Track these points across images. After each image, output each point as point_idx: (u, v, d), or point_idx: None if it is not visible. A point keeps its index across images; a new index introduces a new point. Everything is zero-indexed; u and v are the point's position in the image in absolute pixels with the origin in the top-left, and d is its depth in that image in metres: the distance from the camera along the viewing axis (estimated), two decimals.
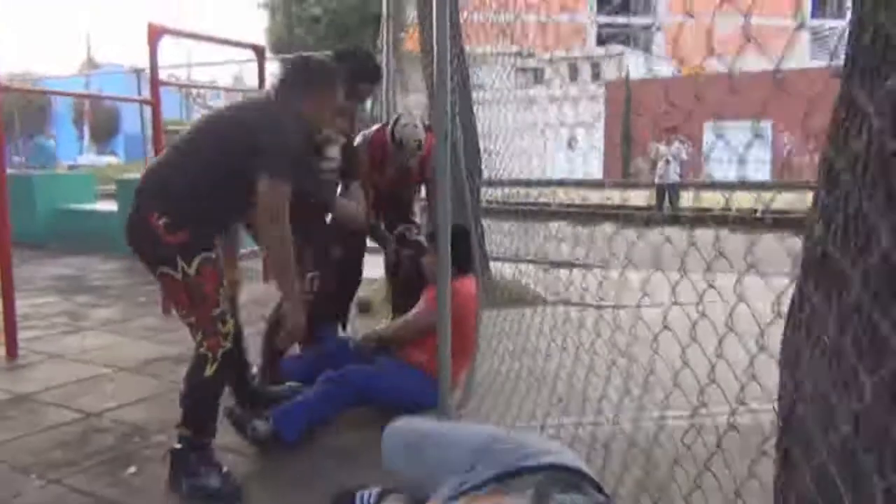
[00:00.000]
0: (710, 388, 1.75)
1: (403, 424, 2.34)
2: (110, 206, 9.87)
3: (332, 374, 3.32)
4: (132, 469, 2.97)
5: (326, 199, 3.65)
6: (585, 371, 2.67)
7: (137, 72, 15.28)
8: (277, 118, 2.76)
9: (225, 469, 2.82)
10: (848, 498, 1.00)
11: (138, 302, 6.20)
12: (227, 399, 3.20)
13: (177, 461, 2.81)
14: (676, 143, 12.21)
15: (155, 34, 5.49)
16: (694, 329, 1.74)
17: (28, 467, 2.99)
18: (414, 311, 3.53)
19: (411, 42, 8.43)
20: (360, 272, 4.32)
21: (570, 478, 1.73)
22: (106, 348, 4.74)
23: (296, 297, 2.85)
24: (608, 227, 2.44)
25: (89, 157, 35.49)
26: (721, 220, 1.71)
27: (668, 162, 12.32)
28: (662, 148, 12.28)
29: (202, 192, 2.71)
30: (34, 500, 2.73)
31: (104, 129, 40.02)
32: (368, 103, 6.94)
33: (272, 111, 2.82)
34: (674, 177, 12.38)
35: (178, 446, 2.81)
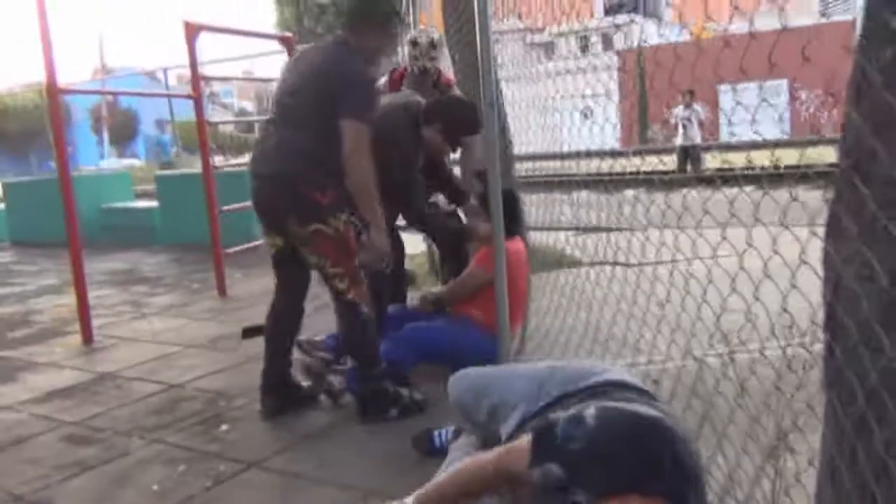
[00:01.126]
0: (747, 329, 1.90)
1: (467, 371, 2.55)
2: (149, 203, 10.22)
3: (393, 334, 3.57)
4: (224, 427, 3.27)
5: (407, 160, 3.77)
6: (626, 320, 2.86)
7: (155, 72, 15.52)
8: (350, 59, 3.05)
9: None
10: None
11: (193, 289, 6.51)
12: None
13: (374, 399, 3.19)
14: (695, 105, 12.31)
15: (192, 31, 5.76)
16: (735, 279, 1.85)
17: (129, 431, 3.29)
18: (466, 271, 3.77)
19: (420, 24, 8.62)
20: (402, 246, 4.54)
21: (626, 391, 1.95)
22: (174, 330, 5.05)
23: (379, 221, 3.12)
24: (630, 193, 2.63)
25: (111, 162, 35.99)
26: (745, 178, 1.85)
27: (684, 126, 12.45)
28: (680, 111, 12.39)
29: (328, 151, 2.99)
30: (143, 455, 3.03)
31: (123, 133, 40.48)
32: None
33: (344, 53, 3.09)
34: (695, 138, 12.50)
35: (368, 388, 3.18)
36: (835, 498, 1.32)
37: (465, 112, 3.68)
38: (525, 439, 1.73)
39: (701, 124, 12.70)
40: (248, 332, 4.06)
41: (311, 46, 3.52)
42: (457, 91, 4.56)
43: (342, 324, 3.20)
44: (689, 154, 12.57)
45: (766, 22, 1.77)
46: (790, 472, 1.73)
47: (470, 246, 4.20)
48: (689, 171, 12.22)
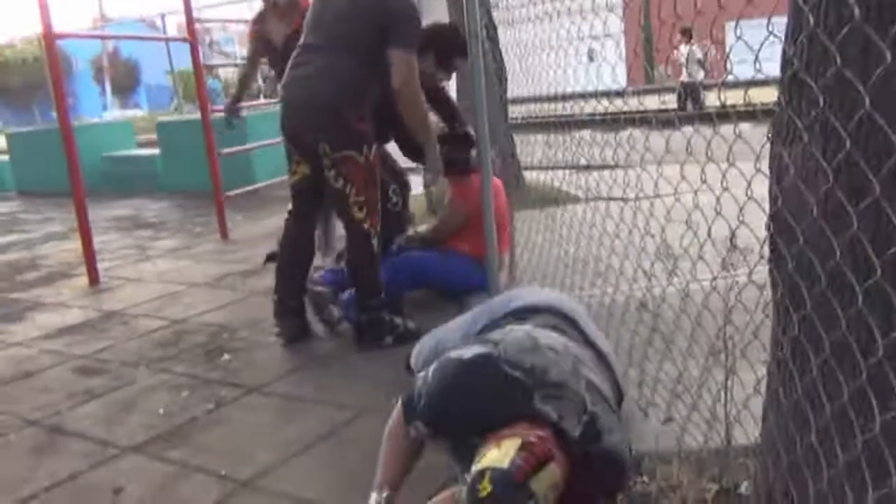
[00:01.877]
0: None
1: (422, 340, 2.50)
2: (150, 150, 10.29)
3: (387, 263, 3.66)
4: (227, 356, 3.40)
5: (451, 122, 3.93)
6: (610, 247, 2.91)
7: (154, 19, 15.40)
8: None
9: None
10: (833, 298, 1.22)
11: (195, 233, 6.62)
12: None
13: (371, 327, 3.31)
14: (693, 45, 12.21)
15: None
16: (719, 203, 1.78)
17: (136, 362, 3.43)
18: (445, 209, 3.84)
19: None
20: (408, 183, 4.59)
21: (538, 314, 1.98)
22: (177, 270, 5.17)
23: (433, 143, 3.30)
24: (635, 132, 2.65)
25: (114, 113, 35.87)
26: (743, 115, 1.83)
27: (683, 64, 12.41)
28: (683, 49, 12.29)
29: (370, 80, 3.10)
30: (149, 383, 3.17)
31: (125, 84, 40.22)
32: None
33: None
34: (696, 76, 12.45)
35: (366, 316, 3.30)
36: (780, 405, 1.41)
37: (453, 34, 3.70)
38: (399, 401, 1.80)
39: (700, 63, 12.60)
40: (271, 258, 4.23)
41: None
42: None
43: (352, 251, 3.30)
44: (689, 92, 12.54)
45: None
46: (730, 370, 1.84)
47: None
48: (690, 109, 12.18)
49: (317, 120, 3.13)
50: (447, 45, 3.67)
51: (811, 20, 1.18)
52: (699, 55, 12.45)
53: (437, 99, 3.96)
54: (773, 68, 1.51)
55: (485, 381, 1.62)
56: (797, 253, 1.26)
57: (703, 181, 1.72)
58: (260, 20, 4.69)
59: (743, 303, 1.65)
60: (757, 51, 1.44)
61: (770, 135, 1.42)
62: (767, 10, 1.61)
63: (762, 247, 1.44)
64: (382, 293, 3.34)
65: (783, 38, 1.38)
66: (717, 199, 1.67)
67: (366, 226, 3.22)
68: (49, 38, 4.97)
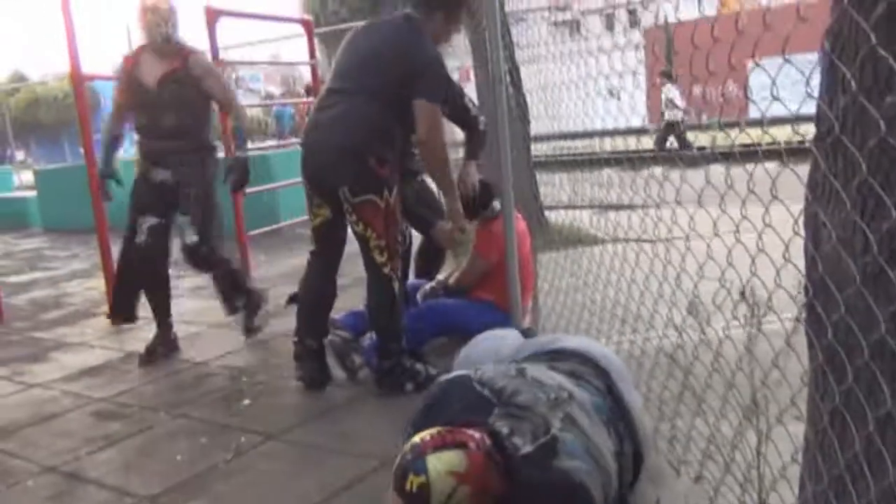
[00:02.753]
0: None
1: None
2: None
3: (412, 311, 3.64)
4: (246, 402, 3.37)
5: (468, 124, 3.86)
6: (640, 295, 2.85)
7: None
8: (423, 40, 3.12)
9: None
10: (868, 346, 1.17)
11: None
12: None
13: (392, 374, 3.29)
14: (670, 85, 12.50)
15: (213, 16, 5.83)
16: (730, 254, 1.77)
17: (155, 406, 3.41)
18: (468, 260, 3.81)
19: None
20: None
21: (567, 359, 2.02)
22: (199, 310, 5.17)
23: (454, 193, 3.30)
24: (657, 170, 2.62)
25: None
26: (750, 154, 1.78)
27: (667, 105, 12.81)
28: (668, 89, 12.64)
29: (395, 126, 3.12)
30: (168, 429, 3.15)
31: None
32: None
33: (417, 34, 3.14)
34: (677, 116, 12.79)
35: (387, 363, 3.28)
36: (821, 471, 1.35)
37: None
38: None
39: (671, 103, 12.88)
40: (293, 300, 4.19)
41: (379, 20, 3.55)
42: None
43: (374, 296, 3.28)
44: (673, 131, 12.90)
45: None
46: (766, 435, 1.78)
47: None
48: (673, 148, 12.55)
49: (338, 163, 3.14)
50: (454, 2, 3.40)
51: (852, 82, 1.14)
52: (671, 95, 12.81)
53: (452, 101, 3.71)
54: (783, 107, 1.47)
55: (454, 396, 1.80)
56: (838, 321, 1.21)
57: (736, 227, 1.68)
58: (133, 61, 4.03)
59: (779, 368, 1.59)
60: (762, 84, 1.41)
61: (806, 193, 1.38)
62: (791, 48, 1.56)
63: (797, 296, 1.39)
64: (403, 339, 3.30)
65: (817, 93, 1.35)
66: (756, 251, 1.63)
67: (386, 269, 3.20)
68: (77, 78, 5.05)
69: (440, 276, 4.10)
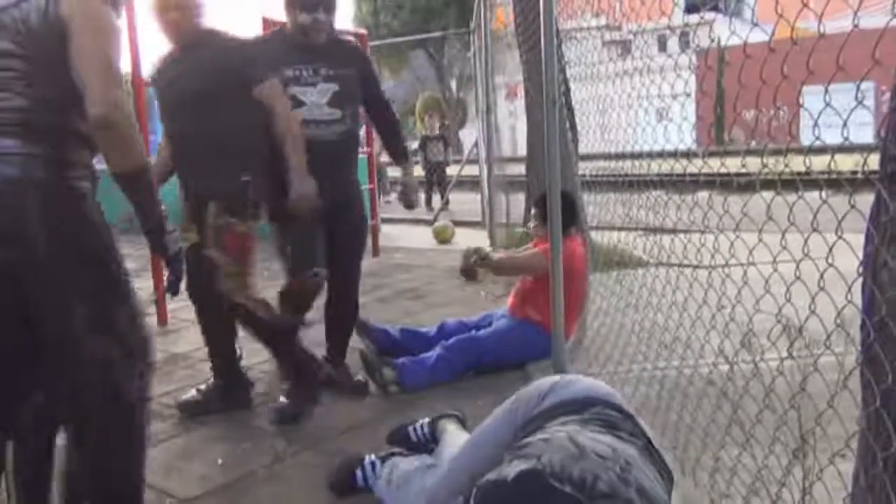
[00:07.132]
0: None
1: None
2: None
3: (447, 343, 3.65)
4: None
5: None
6: (691, 325, 2.81)
7: None
8: (237, 42, 3.18)
9: None
10: None
11: (265, 276, 6.69)
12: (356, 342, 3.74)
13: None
14: None
15: (269, 28, 5.94)
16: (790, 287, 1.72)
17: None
18: (530, 252, 3.79)
19: (497, 21, 8.66)
20: None
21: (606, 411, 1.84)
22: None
23: (303, 168, 3.16)
24: (703, 194, 2.58)
25: None
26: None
27: None
28: None
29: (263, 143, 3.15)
30: (208, 432, 3.19)
31: None
32: (454, 83, 7.03)
33: (229, 41, 3.17)
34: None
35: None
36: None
37: None
38: None
39: None
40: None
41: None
42: None
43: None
44: None
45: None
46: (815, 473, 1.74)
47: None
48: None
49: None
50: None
51: None
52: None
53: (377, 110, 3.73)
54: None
55: (533, 500, 1.51)
56: None
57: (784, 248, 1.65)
58: None
59: (833, 407, 1.55)
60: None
61: (867, 232, 1.35)
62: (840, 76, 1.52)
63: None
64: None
65: (884, 129, 1.32)
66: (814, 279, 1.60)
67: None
68: (137, 82, 5.19)
69: (486, 248, 4.02)
